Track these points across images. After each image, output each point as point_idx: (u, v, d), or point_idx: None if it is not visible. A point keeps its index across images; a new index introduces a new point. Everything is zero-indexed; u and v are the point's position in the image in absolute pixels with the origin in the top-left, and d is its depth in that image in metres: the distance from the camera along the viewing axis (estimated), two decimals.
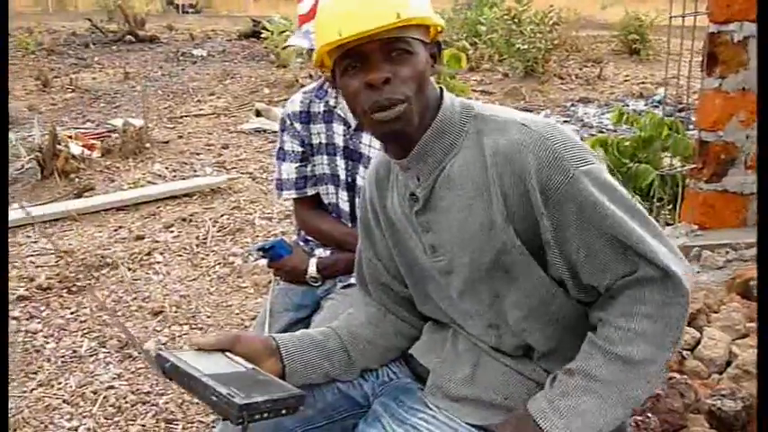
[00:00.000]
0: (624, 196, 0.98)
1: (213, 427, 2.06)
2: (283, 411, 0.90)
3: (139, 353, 1.29)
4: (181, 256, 3.36)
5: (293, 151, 1.60)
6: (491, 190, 0.97)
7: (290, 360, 1.08)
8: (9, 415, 2.14)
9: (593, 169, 0.96)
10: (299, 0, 1.56)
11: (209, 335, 1.14)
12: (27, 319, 2.73)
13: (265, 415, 0.87)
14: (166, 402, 2.19)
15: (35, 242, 3.51)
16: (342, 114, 1.54)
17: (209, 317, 2.77)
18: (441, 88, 1.05)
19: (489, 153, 0.97)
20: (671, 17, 2.60)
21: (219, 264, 3.26)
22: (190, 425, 2.09)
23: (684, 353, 1.74)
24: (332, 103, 1.55)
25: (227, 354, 1.01)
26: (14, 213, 3.77)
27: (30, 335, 2.62)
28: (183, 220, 3.79)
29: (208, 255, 3.37)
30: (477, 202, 0.99)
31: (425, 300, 1.14)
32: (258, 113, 6.30)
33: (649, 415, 1.43)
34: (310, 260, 1.60)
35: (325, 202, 1.63)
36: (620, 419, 0.96)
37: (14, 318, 2.74)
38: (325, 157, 1.59)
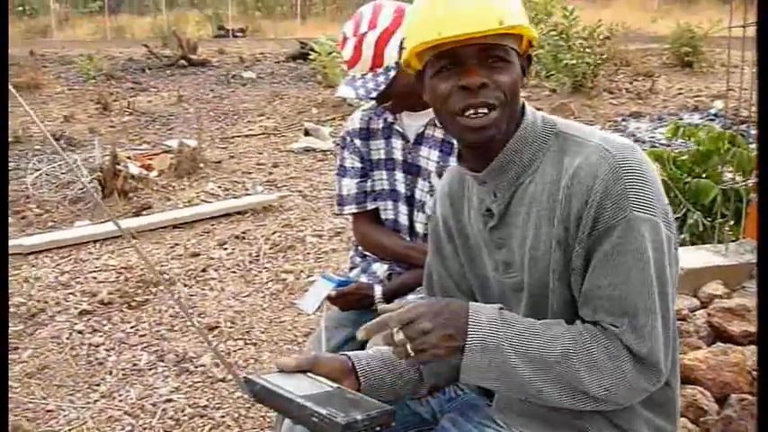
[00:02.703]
0: (664, 265, 0.94)
1: None
2: (377, 428, 0.91)
3: (233, 376, 1.30)
4: (234, 272, 3.43)
5: (353, 167, 1.62)
6: (557, 210, 0.96)
7: (366, 379, 1.08)
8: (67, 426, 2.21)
9: (653, 220, 0.93)
10: (340, 46, 1.51)
11: (289, 357, 1.16)
12: (90, 333, 2.83)
13: None
14: (223, 416, 2.23)
15: (97, 258, 3.65)
16: (400, 129, 1.56)
17: (262, 332, 2.81)
18: (523, 102, 1.04)
19: (567, 174, 0.96)
20: (731, 27, 2.53)
21: (272, 280, 3.31)
22: None
23: (755, 374, 1.66)
24: (390, 119, 1.57)
25: (310, 374, 1.02)
26: (83, 230, 3.94)
27: (93, 348, 2.72)
28: (237, 237, 3.88)
29: (261, 271, 3.43)
30: (547, 220, 0.98)
31: None
32: (307, 133, 6.41)
33: None
34: (375, 289, 1.56)
35: (383, 218, 1.64)
36: (525, 386, 0.94)
37: (78, 331, 2.84)
38: (384, 172, 1.60)
